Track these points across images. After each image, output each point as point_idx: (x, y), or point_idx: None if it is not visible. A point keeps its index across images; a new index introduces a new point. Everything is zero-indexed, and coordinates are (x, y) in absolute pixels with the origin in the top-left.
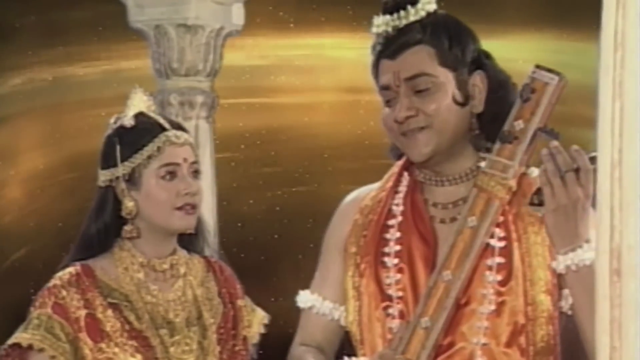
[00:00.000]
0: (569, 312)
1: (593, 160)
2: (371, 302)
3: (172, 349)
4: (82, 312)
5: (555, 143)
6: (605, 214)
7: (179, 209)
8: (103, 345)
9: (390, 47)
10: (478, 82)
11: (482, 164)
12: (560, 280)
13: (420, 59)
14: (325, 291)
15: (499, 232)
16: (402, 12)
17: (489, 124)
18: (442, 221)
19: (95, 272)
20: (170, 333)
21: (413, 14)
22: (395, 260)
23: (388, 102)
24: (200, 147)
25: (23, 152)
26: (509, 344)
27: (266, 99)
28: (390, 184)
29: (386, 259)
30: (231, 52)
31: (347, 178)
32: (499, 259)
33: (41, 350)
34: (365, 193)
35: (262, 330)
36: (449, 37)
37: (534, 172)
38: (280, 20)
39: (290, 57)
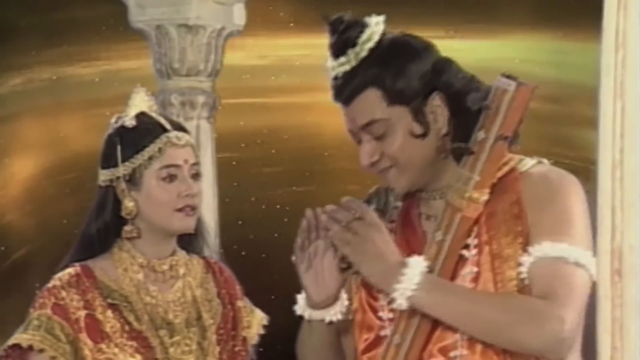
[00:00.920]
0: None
1: None
2: (364, 327)
3: (171, 350)
4: (82, 313)
5: (329, 206)
6: (606, 214)
7: (179, 210)
8: (103, 345)
9: (342, 94)
10: (436, 105)
11: None
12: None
13: (370, 105)
14: None
15: (473, 240)
16: (344, 57)
17: (464, 134)
18: None
19: (95, 273)
20: (170, 334)
21: (354, 58)
22: None
23: (358, 143)
24: (201, 147)
25: (23, 151)
26: (483, 352)
27: (266, 99)
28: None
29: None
30: (231, 52)
31: (348, 177)
32: (472, 269)
33: (41, 350)
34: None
35: (262, 331)
36: (392, 73)
37: (527, 164)
38: (280, 20)
39: (290, 57)
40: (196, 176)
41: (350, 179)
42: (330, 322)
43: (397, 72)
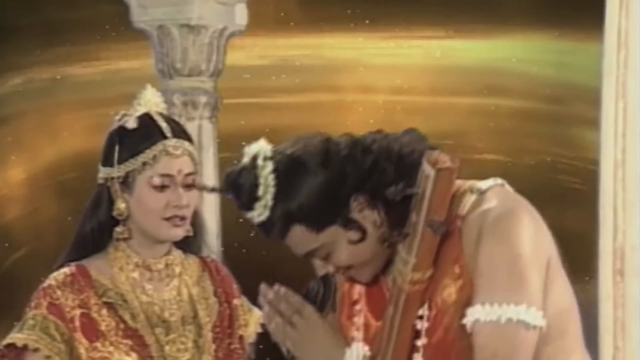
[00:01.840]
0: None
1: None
2: None
3: (167, 348)
4: (77, 312)
5: (269, 295)
6: (608, 214)
7: (168, 219)
8: (98, 344)
9: (272, 235)
10: (360, 207)
11: None
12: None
13: (301, 239)
14: None
15: (425, 311)
16: (255, 212)
17: (400, 217)
18: None
19: (90, 272)
20: (166, 332)
21: (265, 208)
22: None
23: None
24: (203, 148)
25: (23, 152)
26: None
27: (267, 99)
28: None
29: (355, 333)
30: (231, 52)
31: None
32: (424, 340)
33: (36, 350)
34: None
35: (259, 330)
36: (302, 207)
37: (468, 202)
38: (281, 20)
39: (290, 57)
40: (189, 187)
41: None
42: None
43: (307, 202)
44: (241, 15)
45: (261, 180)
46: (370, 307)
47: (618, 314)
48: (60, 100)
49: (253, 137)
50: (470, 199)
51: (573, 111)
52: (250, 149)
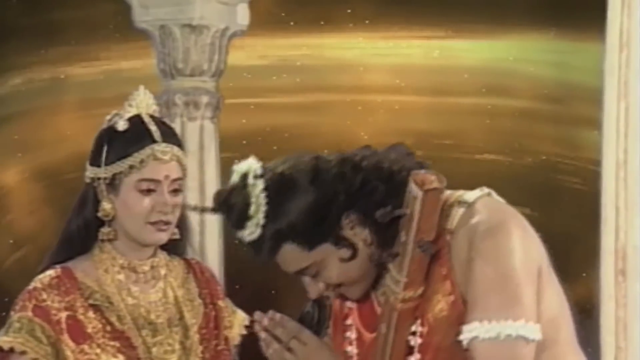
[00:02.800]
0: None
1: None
2: None
3: (154, 350)
4: (63, 314)
5: (265, 321)
6: (610, 214)
7: (152, 223)
8: (85, 346)
9: (262, 254)
10: (351, 225)
11: None
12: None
13: (292, 257)
14: None
15: (418, 327)
16: (245, 231)
17: (389, 236)
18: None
19: (76, 274)
20: (152, 334)
21: (256, 226)
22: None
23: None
24: (205, 148)
25: (23, 152)
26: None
27: (267, 99)
28: None
29: (349, 348)
30: (231, 52)
31: None
32: (417, 356)
33: (23, 352)
34: None
35: (244, 332)
36: (293, 224)
37: (456, 215)
38: (281, 20)
39: (290, 57)
40: (176, 192)
41: None
42: None
43: (301, 222)
44: (243, 15)
45: (252, 200)
46: (362, 320)
47: (620, 314)
48: (60, 100)
49: (253, 137)
50: (458, 213)
51: (573, 111)
52: (240, 167)
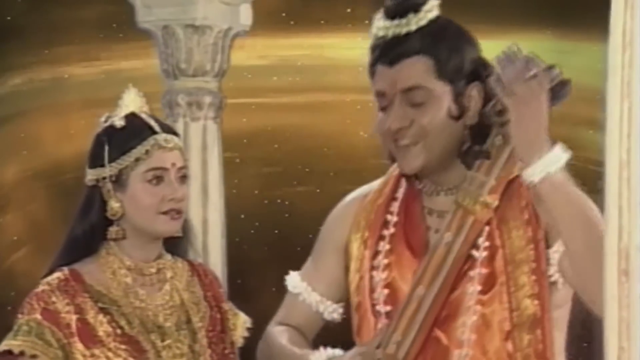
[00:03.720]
0: (560, 280)
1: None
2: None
3: (164, 353)
4: (73, 317)
5: (514, 47)
6: (613, 214)
7: (164, 213)
8: (96, 350)
9: (389, 53)
10: (474, 94)
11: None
12: (547, 238)
13: (418, 70)
14: (315, 283)
15: (483, 242)
16: (403, 20)
17: (480, 137)
18: (437, 231)
19: (83, 277)
20: (161, 337)
21: (414, 23)
22: (384, 275)
23: (383, 108)
24: (207, 148)
25: (24, 151)
26: (495, 352)
27: (267, 99)
28: (388, 188)
29: (374, 273)
30: (232, 52)
31: (348, 177)
32: (481, 270)
33: (33, 356)
34: (365, 192)
35: (246, 334)
36: (448, 48)
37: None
38: (281, 20)
39: (290, 57)
40: (183, 179)
41: (350, 179)
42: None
43: (454, 48)
44: (246, 16)
45: (430, 2)
46: (407, 238)
47: (623, 315)
48: (61, 100)
49: (254, 136)
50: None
51: (574, 111)
52: None
